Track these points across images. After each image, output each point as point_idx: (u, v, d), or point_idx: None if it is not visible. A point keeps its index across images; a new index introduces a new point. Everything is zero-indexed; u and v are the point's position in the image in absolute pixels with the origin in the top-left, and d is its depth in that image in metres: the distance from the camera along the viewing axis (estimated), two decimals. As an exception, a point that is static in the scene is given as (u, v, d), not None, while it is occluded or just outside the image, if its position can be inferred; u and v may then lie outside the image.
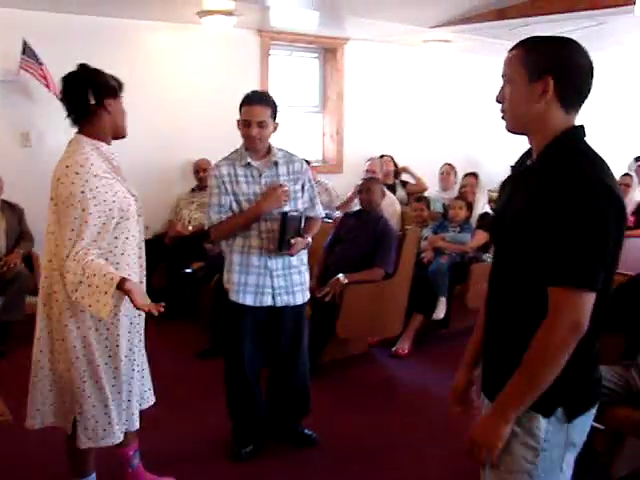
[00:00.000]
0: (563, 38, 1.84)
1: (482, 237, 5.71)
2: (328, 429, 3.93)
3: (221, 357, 3.82)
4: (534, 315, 1.77)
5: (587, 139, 1.86)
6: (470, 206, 5.85)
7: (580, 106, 1.86)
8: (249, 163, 3.44)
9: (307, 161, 6.92)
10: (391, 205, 6.41)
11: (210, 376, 4.35)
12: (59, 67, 5.82)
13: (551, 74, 1.78)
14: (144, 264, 2.86)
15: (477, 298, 5.54)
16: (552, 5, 5.92)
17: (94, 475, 2.99)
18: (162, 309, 2.53)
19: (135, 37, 6.43)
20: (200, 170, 6.50)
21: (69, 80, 2.74)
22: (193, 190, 6.61)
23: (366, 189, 5.07)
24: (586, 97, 1.85)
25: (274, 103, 3.46)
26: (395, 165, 7.72)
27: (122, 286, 2.49)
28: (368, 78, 8.05)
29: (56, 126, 5.97)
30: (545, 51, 1.81)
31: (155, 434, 3.23)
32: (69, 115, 2.73)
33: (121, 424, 2.84)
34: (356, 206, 5.57)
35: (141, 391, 2.98)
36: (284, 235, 3.39)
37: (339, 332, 4.69)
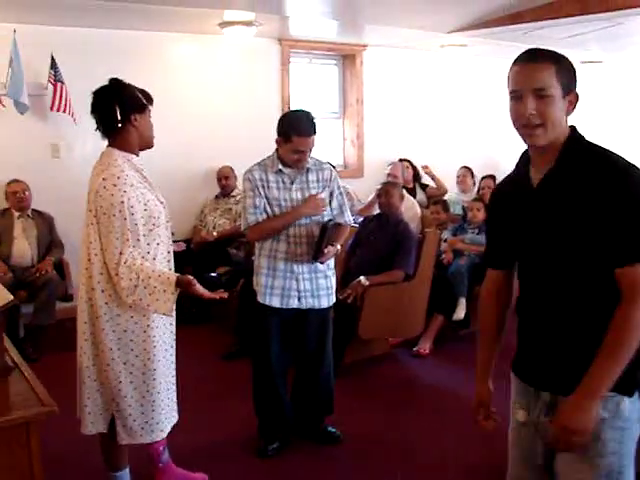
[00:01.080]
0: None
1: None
2: (351, 427, 4.03)
3: (247, 359, 3.95)
4: (602, 305, 1.87)
5: None
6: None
7: None
8: (280, 170, 3.58)
9: (332, 166, 7.10)
10: (411, 208, 6.51)
11: (236, 377, 4.48)
12: (85, 80, 6.02)
13: (575, 86, 1.90)
14: (173, 268, 2.99)
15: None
16: (566, 8, 5.99)
17: (127, 470, 3.12)
18: (225, 295, 2.77)
19: (158, 49, 6.60)
20: (222, 178, 6.64)
21: (98, 95, 2.87)
22: (217, 197, 6.75)
23: (385, 193, 5.18)
24: None
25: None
26: (414, 168, 7.81)
27: (180, 282, 2.69)
28: (387, 83, 8.16)
29: (84, 138, 6.26)
30: (569, 65, 1.90)
31: (184, 432, 3.35)
32: (98, 128, 2.88)
33: (161, 422, 2.97)
34: (376, 210, 5.67)
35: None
36: (320, 245, 3.53)
37: (361, 333, 4.80)
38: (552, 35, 7.08)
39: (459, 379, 4.91)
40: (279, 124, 3.60)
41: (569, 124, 1.96)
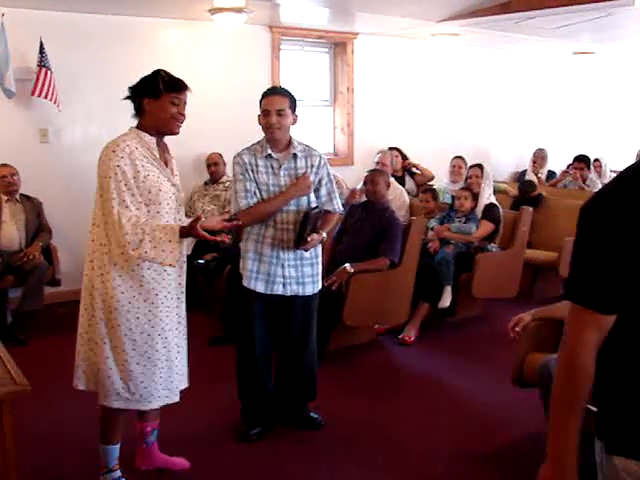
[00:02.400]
0: None
1: (487, 227, 5.84)
2: (333, 413, 4.07)
3: (233, 344, 3.98)
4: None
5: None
6: (475, 197, 5.97)
7: None
8: (270, 154, 3.62)
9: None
10: (399, 197, 6.53)
11: (222, 362, 4.51)
12: (74, 65, 6.10)
13: None
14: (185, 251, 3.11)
15: (482, 287, 5.69)
16: (555, -3, 6.02)
17: (118, 446, 3.16)
18: (227, 240, 3.09)
19: (147, 34, 6.60)
20: (211, 164, 6.66)
21: (133, 86, 3.08)
22: (206, 183, 6.76)
23: (371, 180, 5.20)
24: None
25: (293, 96, 3.64)
26: (403, 157, 7.83)
27: (183, 231, 2.84)
28: (377, 72, 8.19)
29: (73, 123, 6.26)
30: None
31: (167, 417, 3.38)
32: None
33: (150, 395, 3.04)
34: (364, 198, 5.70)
35: (182, 373, 3.20)
36: (303, 232, 3.55)
37: (346, 320, 4.83)
38: (543, 25, 7.11)
39: (444, 367, 4.98)
40: None
41: None
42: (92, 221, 2.98)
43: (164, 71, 3.05)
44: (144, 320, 2.97)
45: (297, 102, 3.67)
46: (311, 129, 7.75)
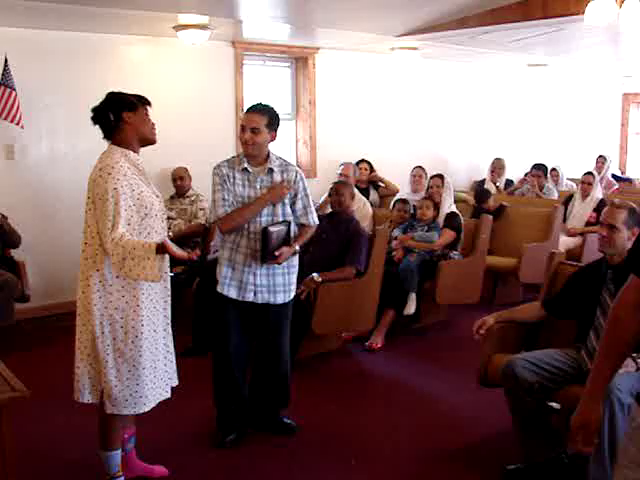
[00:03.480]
0: None
1: (449, 235, 6.01)
2: (306, 418, 4.18)
3: (204, 356, 4.06)
4: None
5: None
6: (437, 206, 6.14)
7: None
8: (246, 168, 3.73)
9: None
10: (363, 207, 6.70)
11: (194, 373, 4.55)
12: (39, 81, 6.13)
13: None
14: (168, 257, 3.16)
15: (445, 293, 5.86)
16: (510, 14, 6.24)
17: (119, 451, 3.25)
18: (195, 257, 2.94)
19: (113, 51, 6.67)
20: (177, 178, 6.70)
21: (96, 108, 3.14)
22: (172, 197, 6.81)
23: (336, 191, 5.35)
24: None
25: (273, 113, 3.78)
26: (372, 170, 8.00)
27: (159, 249, 2.91)
28: (339, 85, 8.35)
29: (39, 139, 6.30)
30: None
31: (144, 426, 3.45)
32: (104, 135, 3.15)
33: (144, 397, 3.13)
34: (329, 209, 5.82)
35: (172, 370, 3.31)
36: (265, 248, 3.66)
37: (314, 328, 4.94)
38: (497, 39, 7.33)
39: (411, 371, 5.12)
40: None
41: None
42: (84, 239, 3.07)
43: (117, 92, 3.19)
44: (137, 329, 3.07)
45: (279, 120, 3.80)
46: (274, 142, 7.83)
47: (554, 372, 3.45)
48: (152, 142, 3.22)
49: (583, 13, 5.17)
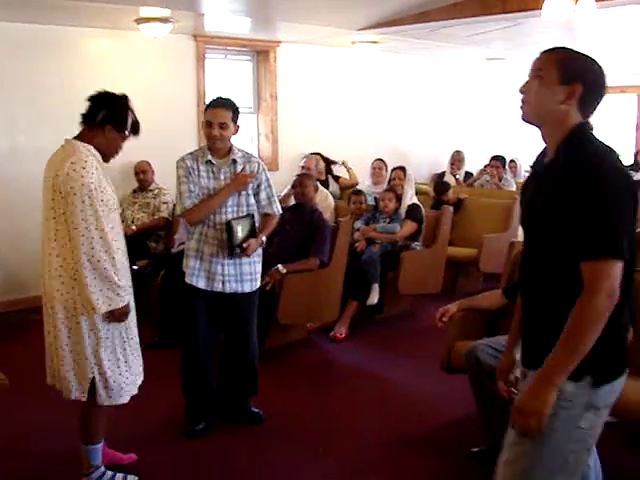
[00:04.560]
0: (593, 58, 2.10)
1: (411, 227, 6.11)
2: (273, 408, 4.23)
3: (170, 348, 4.09)
4: (568, 291, 1.97)
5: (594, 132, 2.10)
6: (399, 198, 6.23)
7: (592, 114, 2.10)
8: (210, 160, 3.77)
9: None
10: (325, 199, 6.76)
11: (161, 365, 4.57)
12: (0, 74, 6.04)
13: (580, 82, 2.03)
14: (125, 247, 3.19)
15: (407, 284, 5.95)
16: (469, 8, 6.34)
17: (102, 444, 3.30)
18: None
19: (75, 44, 6.61)
20: (140, 172, 6.69)
21: (102, 92, 3.18)
22: (134, 191, 6.80)
23: (299, 184, 5.40)
24: (597, 108, 2.10)
25: (235, 107, 3.82)
26: (325, 160, 8.06)
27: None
28: (300, 79, 8.40)
29: None
30: (580, 61, 2.08)
31: (113, 417, 3.46)
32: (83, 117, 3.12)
33: (132, 383, 3.23)
34: (292, 201, 5.88)
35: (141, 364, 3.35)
36: (232, 241, 3.73)
37: (280, 319, 5.00)
38: (457, 33, 7.44)
39: (375, 360, 5.20)
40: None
41: (583, 119, 2.07)
42: (48, 236, 3.01)
43: (131, 106, 3.18)
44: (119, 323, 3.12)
45: (239, 112, 3.84)
46: (235, 136, 7.86)
47: (515, 357, 3.55)
48: (106, 161, 3.18)
49: (541, 8, 5.28)
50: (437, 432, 4.02)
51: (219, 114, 3.72)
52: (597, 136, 2.07)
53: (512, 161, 9.16)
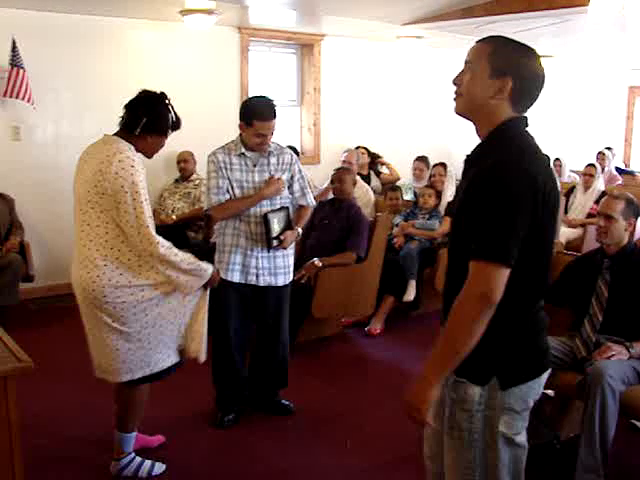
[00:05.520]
0: (528, 47, 2.02)
1: (450, 224, 6.05)
2: (303, 400, 4.25)
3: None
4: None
5: (528, 129, 2.06)
6: (439, 194, 6.19)
7: (527, 109, 2.05)
8: (243, 153, 3.78)
9: (296, 152, 7.24)
10: (365, 194, 6.75)
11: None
12: (46, 64, 6.18)
13: (511, 76, 1.97)
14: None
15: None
16: (514, 4, 6.26)
17: (135, 433, 3.38)
18: None
19: (119, 34, 6.70)
20: (181, 161, 6.79)
21: (140, 98, 3.16)
22: (176, 181, 6.89)
23: (338, 179, 5.40)
24: (534, 103, 2.05)
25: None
26: (370, 155, 8.05)
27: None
28: (344, 72, 8.38)
29: (44, 121, 6.35)
30: (512, 54, 1.99)
31: (148, 404, 3.50)
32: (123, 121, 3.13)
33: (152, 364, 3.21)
34: (331, 195, 5.88)
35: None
36: (269, 234, 3.75)
37: (314, 312, 5.01)
38: (503, 30, 7.32)
39: (409, 356, 5.16)
40: (241, 110, 3.79)
41: (518, 115, 2.04)
42: (82, 227, 3.03)
43: (169, 105, 3.18)
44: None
45: None
46: (279, 128, 7.88)
47: (548, 358, 3.50)
48: (149, 158, 3.23)
49: (588, 4, 5.18)
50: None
51: (272, 126, 3.71)
52: (528, 133, 2.04)
53: (557, 160, 9.01)
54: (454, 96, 2.09)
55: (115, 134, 3.10)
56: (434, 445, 2.28)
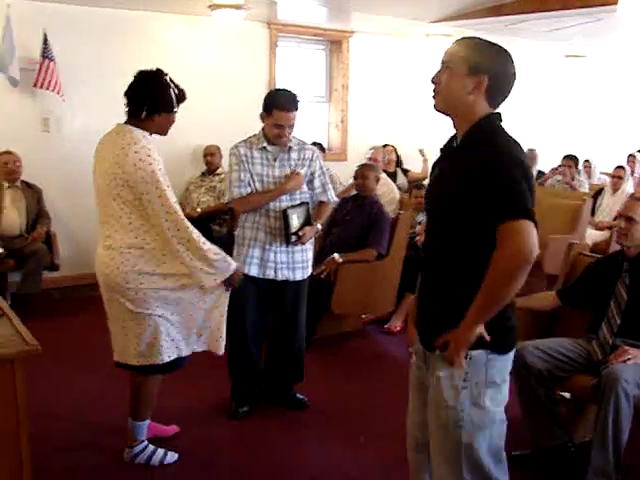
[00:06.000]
0: (501, 47, 2.21)
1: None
2: (319, 395, 4.26)
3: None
4: (466, 273, 2.15)
5: (502, 123, 2.25)
6: (463, 194, 6.15)
7: (500, 103, 2.25)
8: (265, 147, 3.81)
9: (322, 148, 7.24)
10: (390, 191, 6.72)
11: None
12: (76, 57, 6.26)
13: (487, 74, 2.15)
14: None
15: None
16: (546, 2, 6.20)
17: (148, 421, 3.42)
18: None
19: (148, 28, 6.78)
20: (208, 154, 6.85)
21: (137, 81, 3.15)
22: (202, 174, 6.95)
23: (361, 175, 5.40)
24: (506, 99, 2.26)
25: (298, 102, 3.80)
26: (397, 154, 8.03)
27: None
28: (372, 70, 8.38)
29: (73, 113, 6.43)
30: (487, 53, 2.18)
31: (163, 394, 3.55)
32: (128, 109, 3.13)
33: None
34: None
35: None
36: (288, 229, 3.78)
37: (333, 308, 5.02)
38: (533, 28, 7.29)
39: (427, 355, 5.15)
40: (264, 99, 3.82)
41: (493, 111, 2.24)
42: (105, 218, 3.09)
43: (168, 76, 3.17)
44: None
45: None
46: (306, 125, 7.93)
47: (564, 360, 3.48)
48: (163, 136, 3.23)
49: (617, 3, 5.12)
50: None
51: (292, 117, 3.73)
52: (504, 128, 2.23)
53: (586, 161, 8.91)
54: (432, 94, 2.28)
55: (126, 122, 3.12)
56: (417, 416, 2.47)
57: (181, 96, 3.21)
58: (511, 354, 2.29)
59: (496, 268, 2.05)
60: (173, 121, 3.21)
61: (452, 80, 2.19)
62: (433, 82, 2.25)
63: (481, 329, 2.11)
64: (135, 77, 3.16)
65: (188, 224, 3.05)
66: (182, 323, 3.22)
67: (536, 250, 2.04)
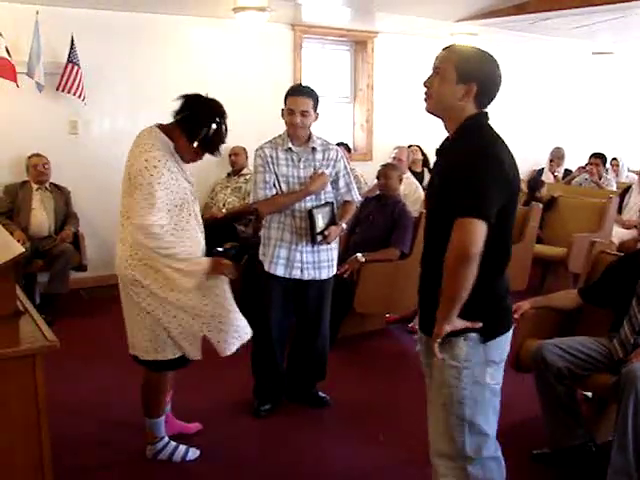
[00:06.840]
0: (488, 54, 2.39)
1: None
2: (340, 394, 4.28)
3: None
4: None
5: (490, 122, 2.43)
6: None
7: (488, 104, 2.43)
8: (290, 148, 3.85)
9: (348, 148, 7.25)
10: (415, 191, 6.73)
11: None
12: (102, 61, 6.36)
13: (475, 82, 2.32)
14: (203, 232, 3.41)
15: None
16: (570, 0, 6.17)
17: (163, 417, 3.47)
18: None
19: (173, 31, 6.86)
20: (232, 154, 6.90)
21: (194, 98, 3.19)
22: (228, 175, 7.01)
23: (383, 175, 5.41)
24: (494, 99, 2.44)
25: (316, 95, 3.84)
26: (423, 154, 8.03)
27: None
28: (397, 70, 8.38)
29: (101, 116, 6.53)
30: (475, 62, 2.35)
31: (186, 392, 3.61)
32: (181, 119, 3.16)
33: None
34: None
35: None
36: (313, 229, 3.81)
37: (357, 307, 5.05)
38: (559, 26, 7.25)
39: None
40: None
41: (478, 111, 2.40)
42: (122, 212, 3.18)
43: (214, 126, 3.15)
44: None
45: (319, 100, 3.87)
46: (331, 125, 7.96)
47: (584, 359, 3.46)
48: (184, 161, 3.25)
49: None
50: (500, 431, 3.93)
51: (301, 102, 3.76)
52: (490, 126, 2.41)
53: (614, 159, 8.83)
54: (424, 97, 2.44)
55: (160, 125, 3.19)
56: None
57: (210, 145, 3.20)
58: (509, 333, 2.48)
59: (445, 263, 2.22)
60: (189, 154, 3.21)
61: (443, 86, 2.35)
62: (425, 86, 2.40)
63: (460, 322, 2.30)
64: (207, 99, 3.20)
65: (156, 245, 3.07)
66: (187, 321, 3.25)
67: (478, 247, 2.17)
